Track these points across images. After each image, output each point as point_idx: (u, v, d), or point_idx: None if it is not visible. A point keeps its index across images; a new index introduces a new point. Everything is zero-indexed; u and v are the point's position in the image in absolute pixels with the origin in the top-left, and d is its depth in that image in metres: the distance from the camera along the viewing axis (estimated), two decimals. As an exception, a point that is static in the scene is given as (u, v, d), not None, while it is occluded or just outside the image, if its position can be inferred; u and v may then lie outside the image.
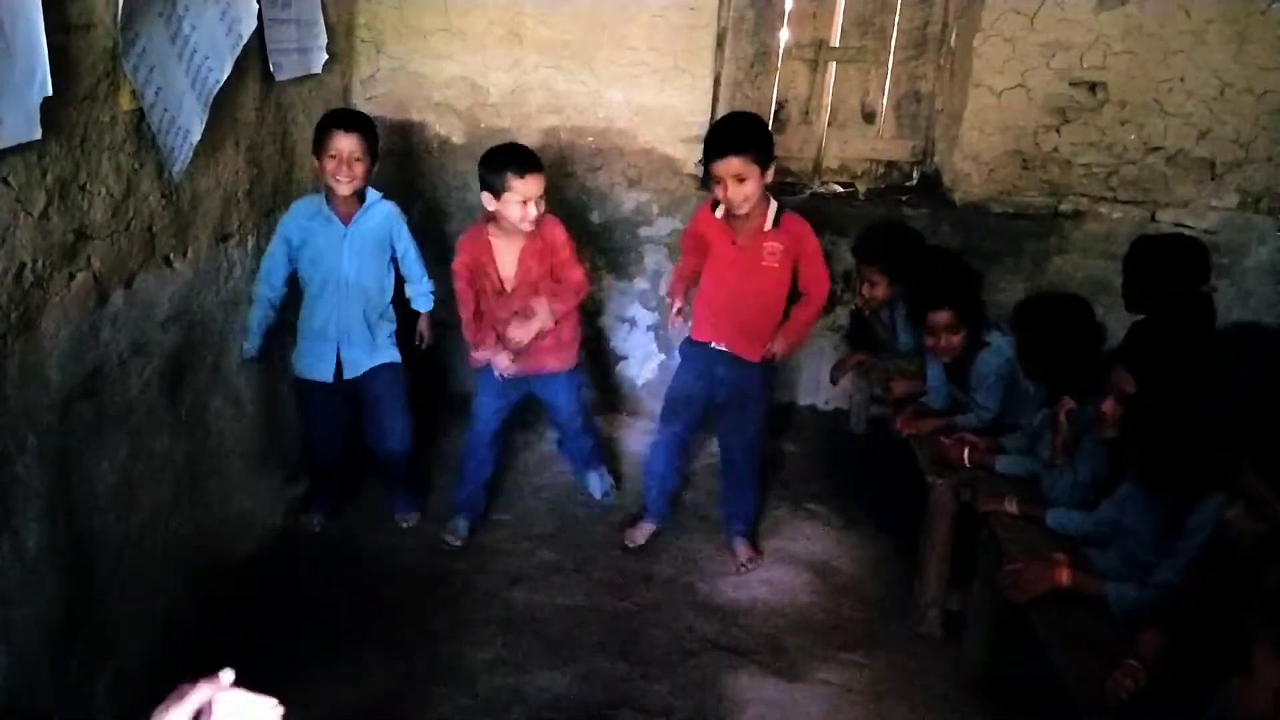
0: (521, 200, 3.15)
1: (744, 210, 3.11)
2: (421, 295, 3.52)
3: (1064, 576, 2.35)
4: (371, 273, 3.32)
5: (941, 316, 3.22)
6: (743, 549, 3.49)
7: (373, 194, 3.30)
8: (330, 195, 3.23)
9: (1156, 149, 4.27)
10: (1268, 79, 4.16)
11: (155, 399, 2.66)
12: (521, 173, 3.14)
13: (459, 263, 3.35)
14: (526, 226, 3.21)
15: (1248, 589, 1.87)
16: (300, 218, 3.26)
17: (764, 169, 3.07)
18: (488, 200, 3.21)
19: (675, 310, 3.39)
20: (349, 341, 3.34)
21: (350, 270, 3.28)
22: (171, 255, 2.71)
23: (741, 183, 3.05)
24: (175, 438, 2.78)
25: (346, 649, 2.90)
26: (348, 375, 3.37)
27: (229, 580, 3.06)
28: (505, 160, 3.18)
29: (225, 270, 3.07)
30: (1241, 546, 1.98)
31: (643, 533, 3.58)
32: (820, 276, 3.30)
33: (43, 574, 2.20)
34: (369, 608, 3.12)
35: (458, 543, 3.50)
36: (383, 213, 3.32)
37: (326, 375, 3.35)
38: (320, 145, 3.19)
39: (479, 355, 3.42)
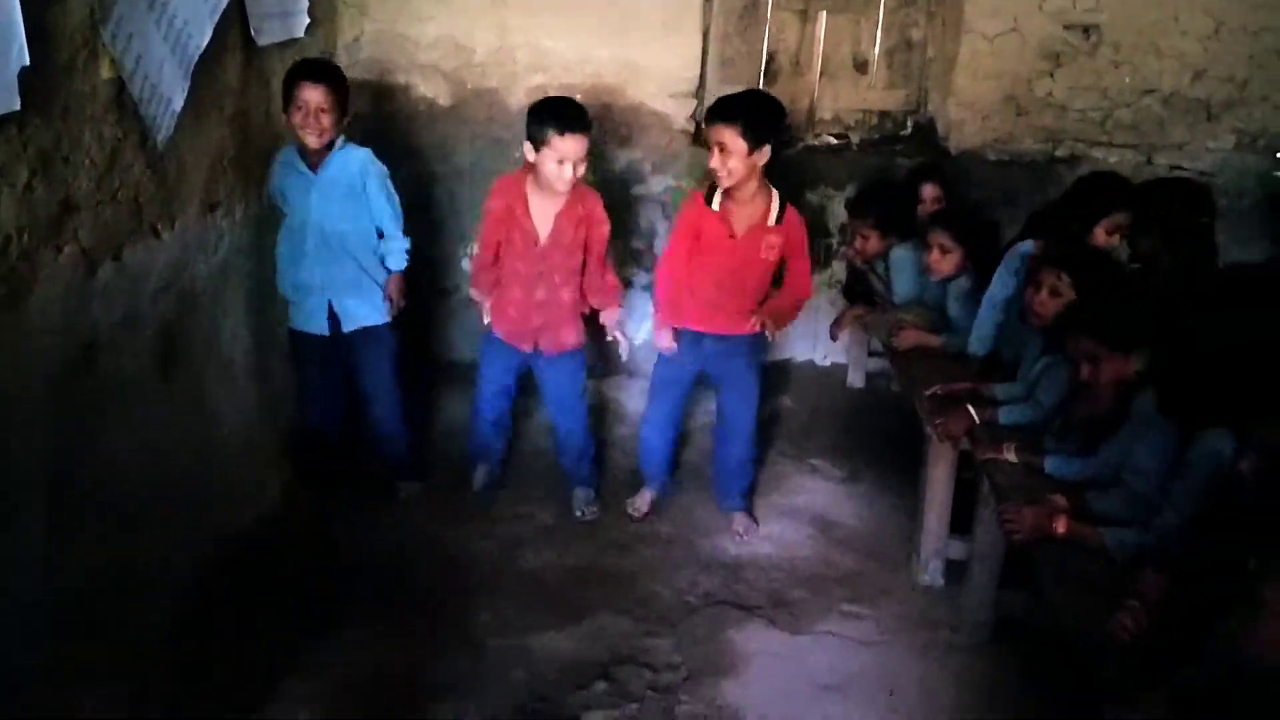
0: (558, 159, 3.08)
1: (727, 183, 3.08)
2: (394, 252, 3.37)
3: (1061, 526, 2.35)
4: (346, 219, 3.25)
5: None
6: (740, 520, 3.48)
7: (341, 140, 3.24)
8: (301, 147, 3.20)
9: (1151, 91, 4.24)
10: (1261, 16, 4.13)
11: (148, 372, 2.64)
12: (562, 130, 3.06)
13: (491, 202, 3.27)
14: (561, 186, 3.14)
15: (1253, 531, 1.89)
16: (278, 165, 3.26)
17: (752, 147, 3.01)
18: (528, 150, 3.14)
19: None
20: (339, 292, 3.31)
21: (321, 217, 3.22)
22: (159, 226, 2.67)
23: (724, 152, 3.02)
24: (171, 410, 2.77)
25: (351, 617, 2.91)
26: (345, 328, 3.35)
27: (232, 553, 3.06)
28: (550, 114, 3.11)
29: (214, 240, 3.04)
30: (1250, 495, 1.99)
31: (645, 501, 3.57)
32: (805, 277, 3.30)
33: (44, 551, 2.19)
34: (372, 576, 3.12)
35: (478, 487, 3.55)
36: (354, 158, 3.25)
37: (321, 328, 3.34)
38: (288, 97, 3.15)
39: (476, 297, 3.41)
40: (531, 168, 3.18)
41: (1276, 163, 4.35)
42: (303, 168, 3.22)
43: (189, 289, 2.87)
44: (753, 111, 3.06)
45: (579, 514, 3.52)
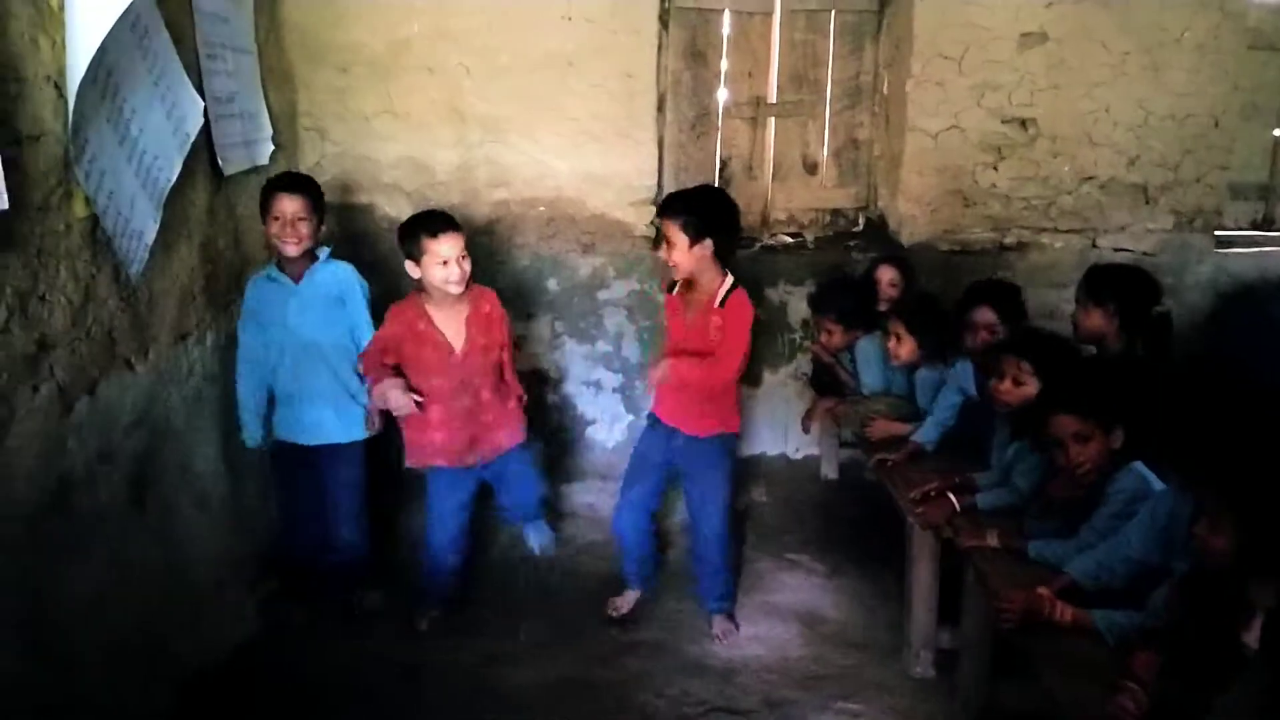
0: (440, 261, 3.12)
1: (676, 275, 3.19)
2: None
3: (1053, 612, 2.36)
4: (324, 330, 3.27)
5: (984, 314, 3.41)
6: (719, 625, 3.44)
7: (322, 252, 3.29)
8: (280, 258, 3.24)
9: (1090, 178, 4.42)
10: (1187, 104, 4.35)
11: (124, 506, 2.60)
12: (434, 233, 3.12)
13: (381, 332, 3.23)
14: (453, 288, 3.16)
15: (1231, 602, 1.92)
16: (253, 288, 3.28)
17: (693, 240, 3.09)
18: (411, 269, 3.18)
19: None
20: (315, 403, 3.30)
21: (298, 326, 3.24)
22: (132, 358, 2.67)
23: (669, 245, 3.13)
24: (146, 544, 2.71)
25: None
26: (315, 441, 3.32)
27: (207, 683, 2.96)
28: (416, 224, 3.18)
29: (186, 369, 3.03)
30: (1213, 561, 2.02)
31: (627, 601, 3.53)
32: (730, 359, 3.17)
33: (18, 689, 2.11)
34: (347, 702, 3.02)
35: (424, 626, 3.41)
36: (336, 272, 3.30)
37: (295, 437, 3.34)
38: (265, 209, 3.21)
39: (378, 392, 3.18)
40: (422, 286, 3.21)
41: (1214, 240, 4.54)
42: (282, 278, 3.25)
43: (162, 419, 2.85)
44: (695, 207, 3.15)
45: (538, 551, 3.59)
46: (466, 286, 3.22)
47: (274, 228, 3.18)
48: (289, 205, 3.17)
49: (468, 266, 3.18)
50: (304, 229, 3.19)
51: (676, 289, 3.30)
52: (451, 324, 3.24)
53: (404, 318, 3.22)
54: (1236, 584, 1.94)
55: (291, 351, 3.27)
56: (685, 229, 3.09)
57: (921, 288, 4.09)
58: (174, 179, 2.78)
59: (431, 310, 3.23)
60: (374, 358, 3.24)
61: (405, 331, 3.22)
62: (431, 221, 3.16)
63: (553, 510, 3.69)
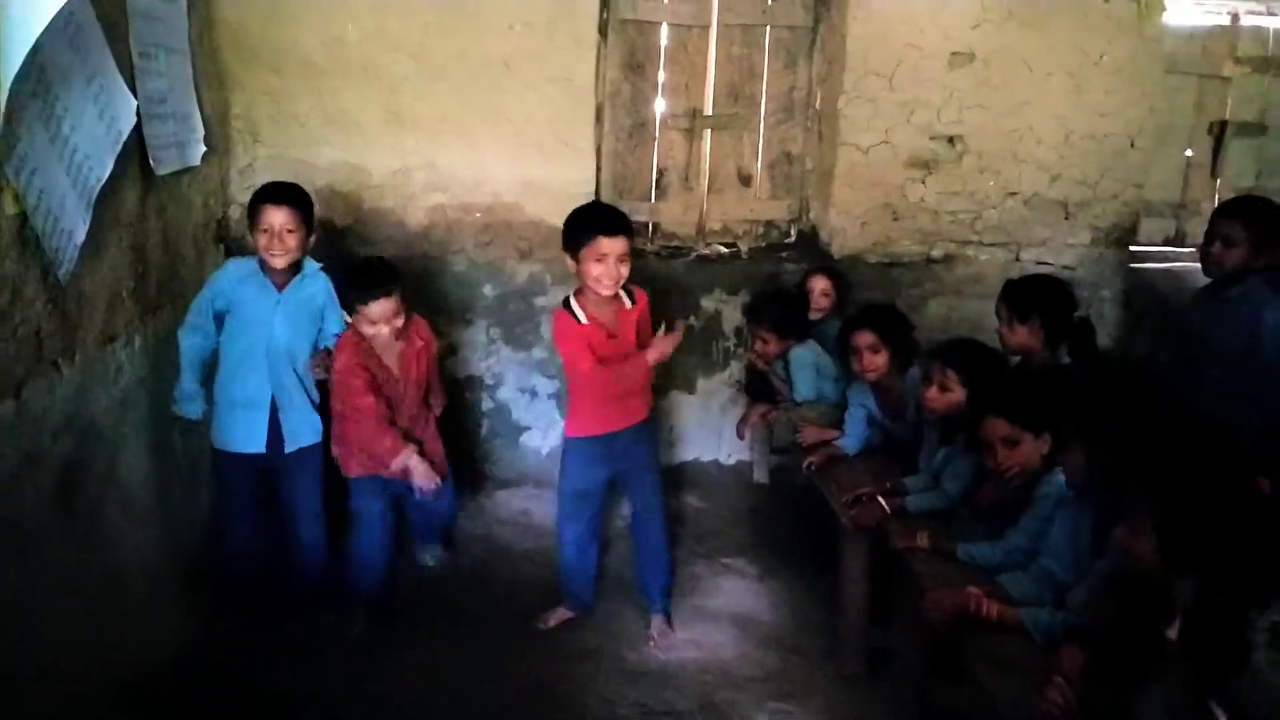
0: (370, 322, 3.15)
1: (613, 290, 3.19)
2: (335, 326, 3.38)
3: (980, 609, 2.43)
4: (303, 341, 3.31)
5: (864, 337, 3.44)
6: (656, 625, 3.47)
7: (311, 264, 3.28)
8: (265, 266, 3.21)
9: (1014, 194, 4.57)
10: (1106, 124, 4.53)
11: (49, 512, 2.53)
12: (365, 299, 3.12)
13: (351, 363, 3.19)
14: (383, 343, 3.24)
15: (1152, 600, 2.01)
16: (232, 278, 3.23)
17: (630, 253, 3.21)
18: (351, 319, 3.22)
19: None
20: (287, 410, 3.28)
21: (282, 337, 3.24)
22: (59, 360, 2.60)
23: (623, 262, 3.15)
24: (73, 551, 2.64)
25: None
26: (289, 448, 3.31)
27: (136, 696, 2.88)
28: (353, 284, 3.16)
29: (114, 372, 2.96)
30: (1134, 564, 2.11)
31: (556, 617, 3.53)
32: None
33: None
34: (280, 714, 2.97)
35: (357, 630, 3.40)
36: (320, 285, 3.32)
37: (257, 446, 3.28)
38: (252, 221, 3.18)
39: (399, 463, 3.25)
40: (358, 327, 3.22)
41: (1130, 255, 4.72)
42: (268, 285, 3.23)
43: (90, 423, 2.78)
44: (630, 225, 3.27)
45: (430, 564, 3.70)
46: (406, 322, 3.25)
47: (262, 240, 3.15)
48: (277, 217, 3.14)
49: (400, 321, 3.20)
50: (292, 241, 3.17)
51: (586, 317, 3.22)
52: (391, 358, 3.31)
53: (355, 354, 3.21)
54: (1158, 583, 2.03)
55: (271, 358, 3.25)
56: (632, 240, 3.19)
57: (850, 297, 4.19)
58: (105, 178, 2.72)
59: (375, 347, 3.26)
60: (381, 415, 3.24)
61: (363, 364, 3.23)
62: (362, 286, 3.13)
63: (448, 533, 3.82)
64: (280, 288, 3.24)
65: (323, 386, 3.40)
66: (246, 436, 3.29)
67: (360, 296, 3.13)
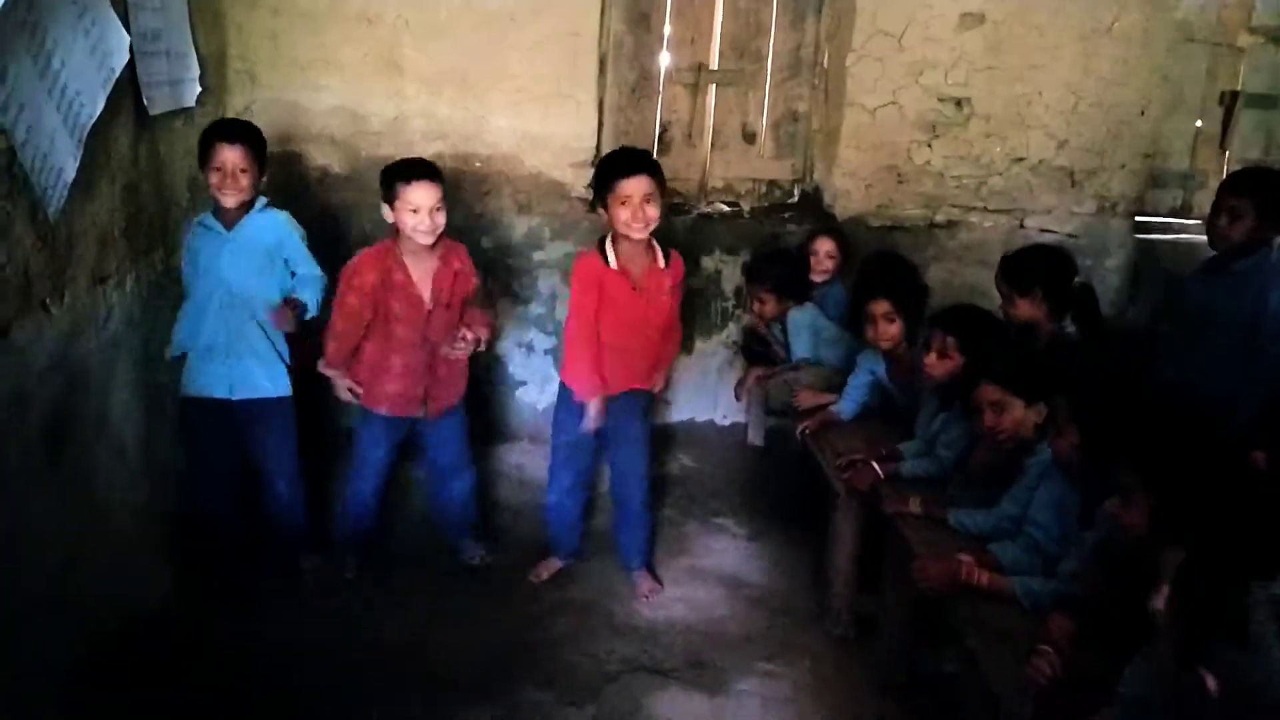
0: (411, 208, 3.11)
1: (645, 234, 3.13)
2: (305, 292, 3.25)
3: (971, 577, 2.43)
4: (257, 282, 3.19)
5: (879, 306, 3.36)
6: (644, 581, 3.48)
7: (261, 202, 3.20)
8: (218, 206, 3.14)
9: (1020, 159, 4.51)
10: (1114, 93, 4.46)
11: (36, 455, 2.50)
12: (408, 179, 3.11)
13: (360, 278, 3.17)
14: (421, 238, 3.14)
15: (1141, 570, 2.00)
16: (195, 228, 3.18)
17: (663, 196, 3.15)
18: (385, 213, 3.18)
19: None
20: (241, 357, 3.21)
21: (231, 277, 3.15)
22: (49, 300, 2.56)
23: (648, 202, 3.08)
24: (59, 495, 2.62)
25: (252, 714, 2.77)
26: (240, 395, 3.24)
27: (121, 645, 2.88)
28: (395, 169, 3.19)
29: (104, 314, 2.92)
30: (1126, 535, 2.10)
31: (548, 568, 3.54)
32: (678, 319, 3.40)
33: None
34: (274, 667, 2.97)
35: (350, 574, 3.44)
36: (271, 220, 3.21)
37: (212, 392, 3.23)
38: (204, 158, 3.11)
39: (333, 374, 3.28)
40: (396, 232, 3.19)
41: (1135, 226, 4.67)
42: (217, 226, 3.15)
43: (79, 365, 2.74)
44: (656, 162, 3.21)
45: (473, 559, 3.54)
46: (439, 240, 3.19)
47: (214, 178, 3.08)
48: (230, 156, 3.07)
49: (441, 219, 3.15)
50: (244, 180, 3.09)
51: (617, 261, 3.20)
52: (423, 278, 3.23)
53: (381, 265, 3.19)
54: (1148, 553, 2.02)
55: (222, 302, 3.18)
56: (661, 186, 3.12)
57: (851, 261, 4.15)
58: (96, 116, 2.66)
59: (407, 260, 3.20)
60: (346, 343, 3.23)
61: (381, 280, 3.18)
62: (408, 167, 3.15)
63: (478, 529, 3.69)
64: (228, 228, 3.16)
65: (293, 340, 3.32)
66: (204, 382, 3.24)
67: (405, 175, 3.10)
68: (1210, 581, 1.65)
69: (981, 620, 2.35)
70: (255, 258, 3.18)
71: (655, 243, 3.23)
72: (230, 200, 3.09)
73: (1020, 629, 2.26)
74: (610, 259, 3.18)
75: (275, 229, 3.22)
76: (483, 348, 3.30)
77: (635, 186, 3.06)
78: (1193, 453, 2.01)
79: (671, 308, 3.31)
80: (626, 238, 3.14)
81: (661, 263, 3.24)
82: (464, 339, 3.23)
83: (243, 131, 3.18)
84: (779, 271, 4.04)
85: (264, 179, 3.22)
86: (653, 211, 3.09)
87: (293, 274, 3.29)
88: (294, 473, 3.40)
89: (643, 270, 3.21)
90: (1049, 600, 2.30)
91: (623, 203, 3.07)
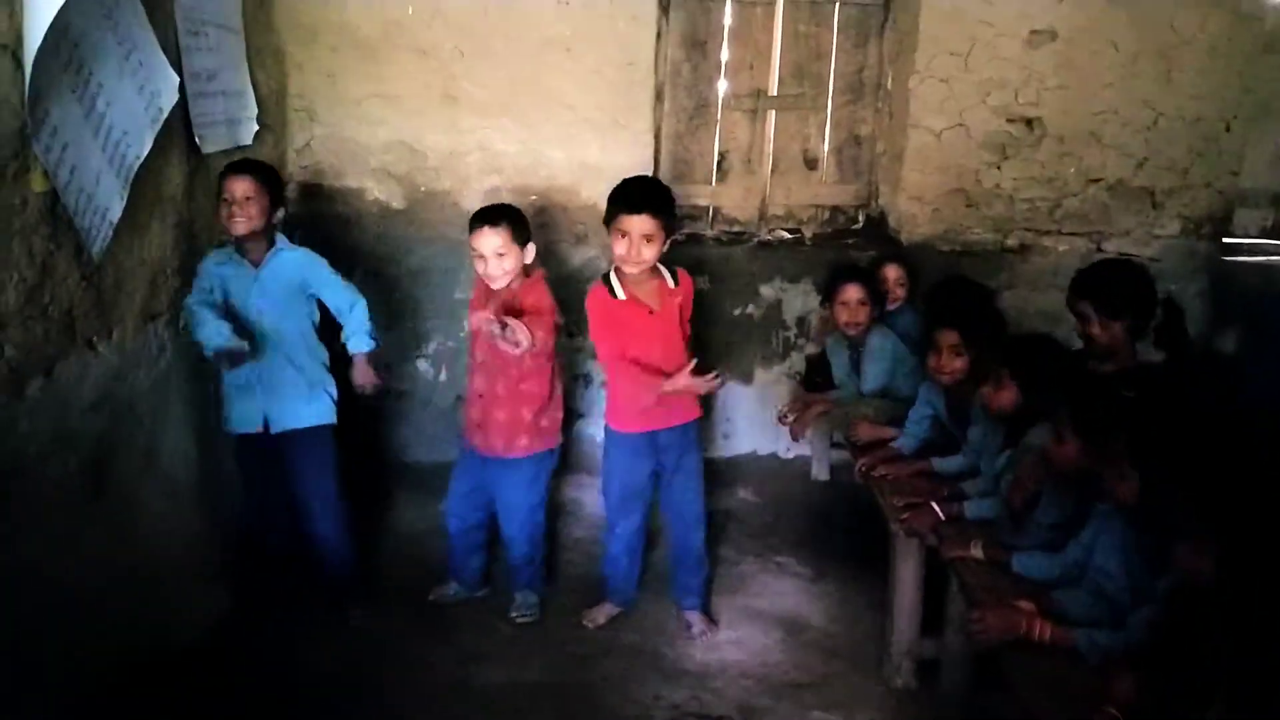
0: (477, 255, 3.15)
1: (637, 270, 3.08)
2: (355, 331, 3.26)
3: (1033, 629, 2.27)
4: (285, 317, 3.20)
5: (948, 336, 3.18)
6: (697, 621, 3.37)
7: (281, 239, 3.20)
8: (238, 243, 3.15)
9: (1096, 180, 4.31)
10: (1197, 107, 4.24)
11: (79, 492, 2.52)
12: (470, 229, 3.16)
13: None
14: (492, 283, 3.17)
15: (1214, 626, 1.84)
16: (211, 263, 3.18)
17: (668, 234, 3.09)
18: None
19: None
20: (274, 392, 3.21)
21: (260, 314, 3.16)
22: (95, 339, 2.59)
23: (649, 242, 3.02)
24: (103, 528, 2.64)
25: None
26: (275, 429, 3.23)
27: (168, 676, 2.88)
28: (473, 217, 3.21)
29: (155, 350, 2.96)
30: (1197, 583, 1.94)
31: (603, 614, 3.44)
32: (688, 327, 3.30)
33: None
34: (317, 702, 2.93)
35: (449, 594, 3.49)
36: (293, 259, 3.22)
37: (250, 427, 3.23)
38: (217, 195, 3.13)
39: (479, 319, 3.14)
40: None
41: (1222, 248, 4.42)
42: (243, 263, 3.17)
43: (126, 403, 2.77)
44: (666, 198, 3.12)
45: (515, 616, 3.41)
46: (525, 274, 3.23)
47: (223, 210, 3.10)
48: (236, 186, 3.08)
49: (508, 264, 3.15)
50: (252, 209, 3.08)
51: (624, 293, 3.14)
52: (649, 295, 3.18)
53: (602, 291, 3.20)
54: (1220, 602, 1.86)
55: (254, 339, 3.18)
56: (665, 226, 3.06)
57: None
58: (143, 156, 2.71)
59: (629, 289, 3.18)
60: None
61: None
62: (475, 217, 3.19)
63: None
64: (255, 265, 3.17)
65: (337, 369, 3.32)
66: (240, 417, 3.24)
67: (472, 224, 3.16)
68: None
69: (1040, 675, 2.19)
70: (282, 295, 3.18)
71: (660, 266, 3.17)
72: (240, 227, 3.08)
73: (1080, 683, 2.10)
74: (617, 290, 3.14)
75: (299, 264, 3.22)
76: (515, 340, 3.07)
77: (634, 225, 3.02)
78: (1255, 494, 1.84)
79: (684, 321, 3.25)
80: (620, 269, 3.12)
81: (670, 283, 3.19)
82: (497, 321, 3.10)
83: (249, 164, 3.21)
84: (867, 278, 3.86)
85: (279, 214, 3.20)
86: (649, 252, 3.04)
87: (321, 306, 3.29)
88: (337, 510, 3.35)
89: (651, 292, 3.17)
90: (1116, 653, 2.13)
91: (622, 235, 3.04)
